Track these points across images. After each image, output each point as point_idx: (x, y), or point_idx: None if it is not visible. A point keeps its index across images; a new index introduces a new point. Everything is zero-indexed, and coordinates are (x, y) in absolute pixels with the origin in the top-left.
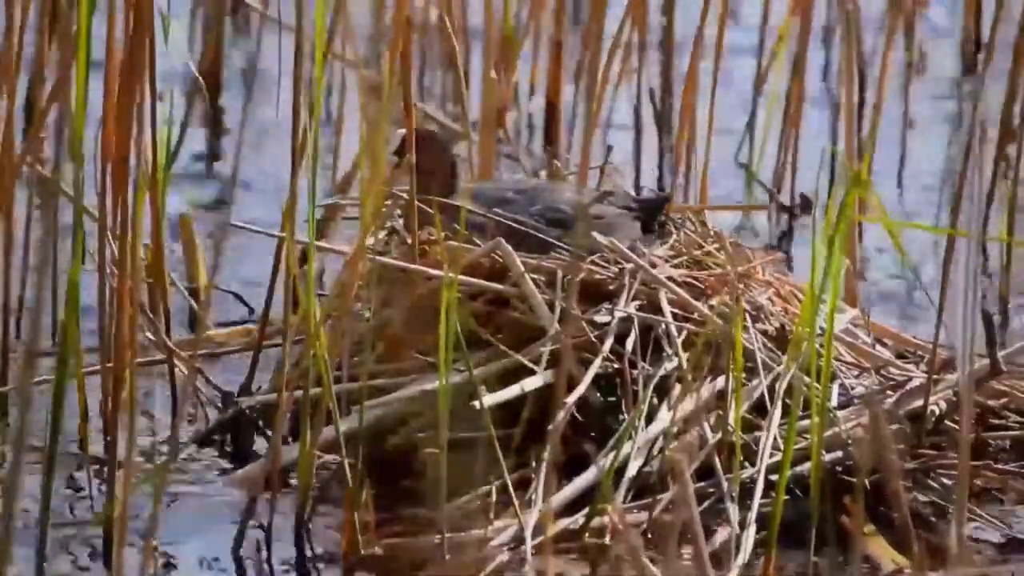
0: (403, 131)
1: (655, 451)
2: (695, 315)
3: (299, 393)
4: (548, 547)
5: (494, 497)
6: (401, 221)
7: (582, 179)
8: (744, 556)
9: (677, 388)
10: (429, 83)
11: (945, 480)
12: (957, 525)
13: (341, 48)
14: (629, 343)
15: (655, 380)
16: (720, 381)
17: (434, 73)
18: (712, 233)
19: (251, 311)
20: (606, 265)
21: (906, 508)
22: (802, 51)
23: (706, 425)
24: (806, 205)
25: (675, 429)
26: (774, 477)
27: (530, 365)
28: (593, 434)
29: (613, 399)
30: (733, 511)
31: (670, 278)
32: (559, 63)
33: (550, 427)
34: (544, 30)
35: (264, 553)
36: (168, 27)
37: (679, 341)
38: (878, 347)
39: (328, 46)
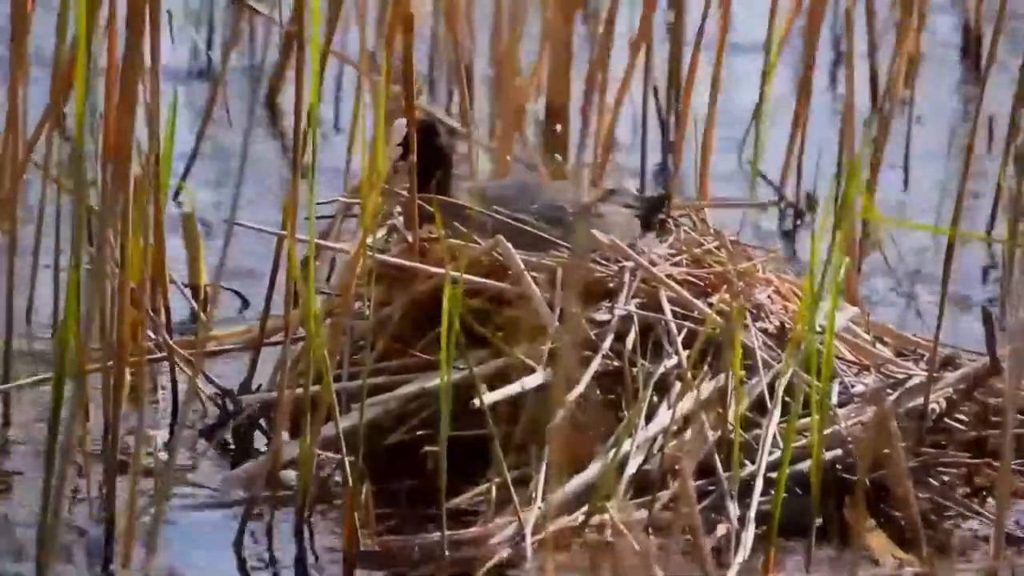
0: (405, 120)
1: (655, 449)
2: (695, 313)
3: (299, 391)
4: (548, 544)
5: (494, 495)
6: (401, 219)
7: (597, 177)
8: (744, 553)
9: (677, 386)
10: (433, 82)
11: (945, 478)
12: (996, 525)
13: (342, 47)
14: (629, 341)
15: (655, 378)
16: (720, 379)
17: (438, 72)
18: (712, 231)
19: (245, 304)
20: (606, 263)
21: (913, 505)
22: (809, 49)
23: (706, 423)
24: (811, 204)
25: (675, 427)
26: (774, 475)
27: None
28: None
29: (613, 397)
30: (733, 508)
31: (670, 276)
32: (567, 61)
33: (550, 425)
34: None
35: (265, 551)
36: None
37: (679, 339)
38: (878, 345)
39: (328, 45)
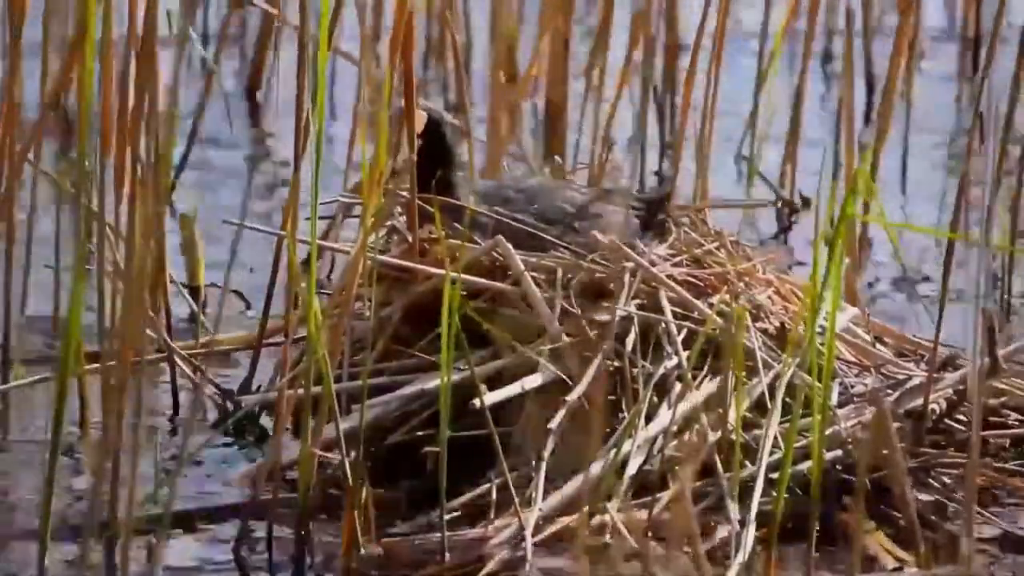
0: (426, 110)
1: (655, 450)
2: (695, 314)
3: (300, 391)
4: (548, 545)
5: (495, 495)
6: (403, 219)
7: (597, 177)
8: (744, 554)
9: (677, 387)
10: (433, 81)
11: (945, 479)
12: (966, 524)
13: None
14: (629, 342)
15: (655, 379)
16: (720, 380)
17: (437, 71)
18: (712, 232)
19: (248, 305)
20: (606, 264)
21: (912, 506)
22: (805, 48)
23: (706, 424)
24: (807, 205)
25: (675, 428)
26: (774, 475)
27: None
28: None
29: (613, 397)
30: (733, 509)
31: (670, 276)
32: (565, 60)
33: (550, 425)
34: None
35: (265, 552)
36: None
37: (679, 340)
38: (878, 346)
39: (330, 42)
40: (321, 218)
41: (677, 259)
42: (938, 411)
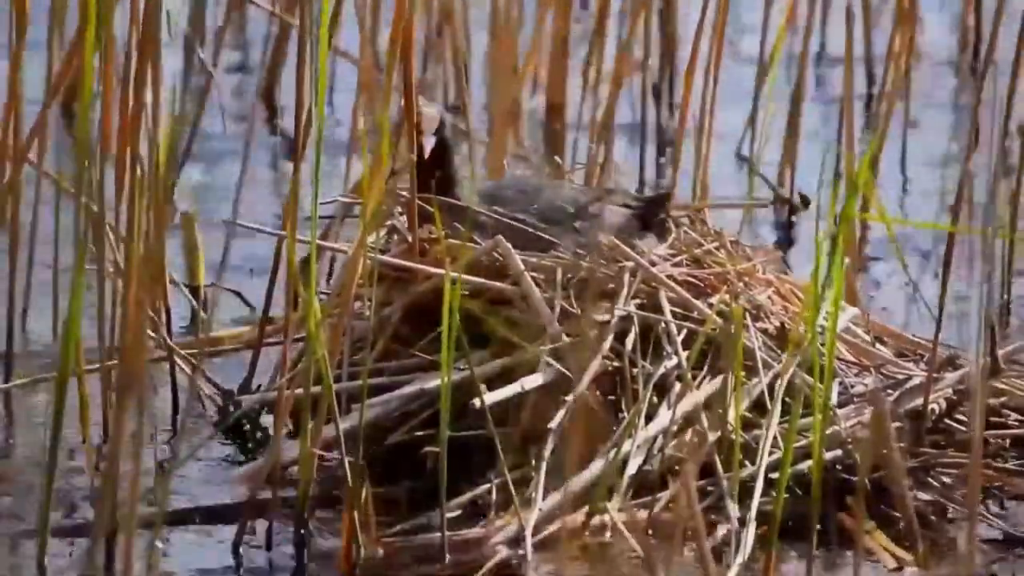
0: (433, 111)
1: (655, 449)
2: (695, 314)
3: (299, 391)
4: (548, 545)
5: (495, 495)
6: (403, 219)
7: (593, 177)
8: (744, 554)
9: (677, 387)
10: (432, 80)
11: (945, 479)
12: (966, 524)
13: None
14: (629, 341)
15: (655, 379)
16: (720, 380)
17: (436, 70)
18: (712, 231)
19: (252, 308)
20: (606, 263)
21: (910, 507)
22: (804, 47)
23: (706, 424)
24: (805, 203)
25: (675, 428)
26: (774, 475)
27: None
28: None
29: (613, 397)
30: (733, 509)
31: (670, 276)
32: (564, 59)
33: (550, 425)
34: (547, 26)
35: (264, 552)
36: (172, 22)
37: (679, 340)
38: (878, 346)
39: (331, 41)
40: (321, 218)
41: (677, 259)
42: (938, 411)
